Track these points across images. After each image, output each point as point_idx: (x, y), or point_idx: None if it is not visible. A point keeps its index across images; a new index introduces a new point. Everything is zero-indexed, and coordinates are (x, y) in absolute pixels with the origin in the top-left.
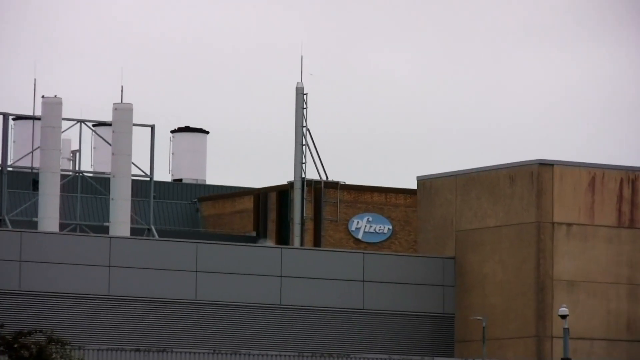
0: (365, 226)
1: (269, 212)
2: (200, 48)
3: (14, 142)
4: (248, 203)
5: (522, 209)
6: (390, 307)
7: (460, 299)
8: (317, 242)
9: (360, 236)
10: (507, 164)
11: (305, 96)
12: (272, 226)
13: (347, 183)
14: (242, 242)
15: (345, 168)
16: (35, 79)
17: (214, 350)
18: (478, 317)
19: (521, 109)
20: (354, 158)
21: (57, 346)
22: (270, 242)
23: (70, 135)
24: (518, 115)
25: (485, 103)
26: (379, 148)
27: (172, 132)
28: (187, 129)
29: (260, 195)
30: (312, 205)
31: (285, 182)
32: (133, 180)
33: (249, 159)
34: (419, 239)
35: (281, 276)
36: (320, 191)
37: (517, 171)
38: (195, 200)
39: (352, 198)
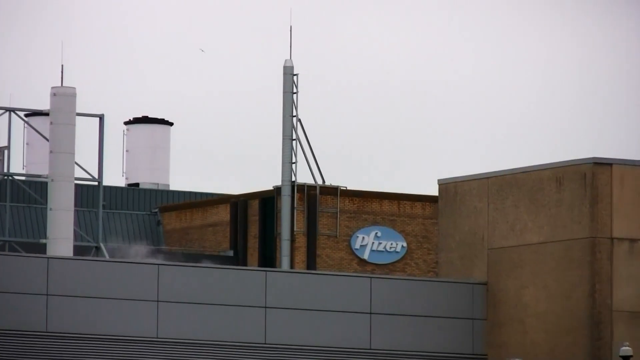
0: (373, 243)
1: (250, 225)
2: (160, 18)
3: None
4: (223, 214)
5: (571, 221)
6: (404, 347)
7: (494, 335)
8: (311, 264)
9: (366, 256)
10: (553, 163)
11: (295, 77)
12: (253, 243)
13: (349, 188)
14: (216, 263)
15: (346, 169)
16: None
17: None
18: (516, 359)
19: (569, 94)
20: (358, 157)
21: None
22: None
23: None
24: (565, 102)
25: (524, 86)
26: (388, 144)
27: (125, 123)
28: (145, 120)
29: (238, 204)
30: (304, 216)
31: (270, 187)
32: (77, 185)
33: (223, 158)
34: (441, 260)
35: (266, 307)
36: (315, 198)
37: (565, 172)
38: (156, 210)
39: (355, 207)
